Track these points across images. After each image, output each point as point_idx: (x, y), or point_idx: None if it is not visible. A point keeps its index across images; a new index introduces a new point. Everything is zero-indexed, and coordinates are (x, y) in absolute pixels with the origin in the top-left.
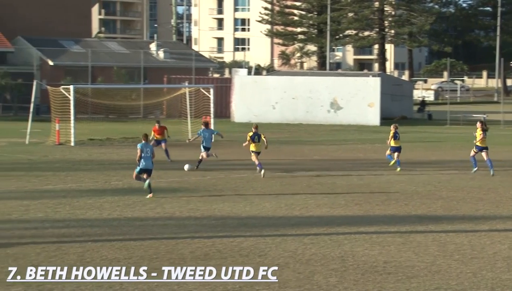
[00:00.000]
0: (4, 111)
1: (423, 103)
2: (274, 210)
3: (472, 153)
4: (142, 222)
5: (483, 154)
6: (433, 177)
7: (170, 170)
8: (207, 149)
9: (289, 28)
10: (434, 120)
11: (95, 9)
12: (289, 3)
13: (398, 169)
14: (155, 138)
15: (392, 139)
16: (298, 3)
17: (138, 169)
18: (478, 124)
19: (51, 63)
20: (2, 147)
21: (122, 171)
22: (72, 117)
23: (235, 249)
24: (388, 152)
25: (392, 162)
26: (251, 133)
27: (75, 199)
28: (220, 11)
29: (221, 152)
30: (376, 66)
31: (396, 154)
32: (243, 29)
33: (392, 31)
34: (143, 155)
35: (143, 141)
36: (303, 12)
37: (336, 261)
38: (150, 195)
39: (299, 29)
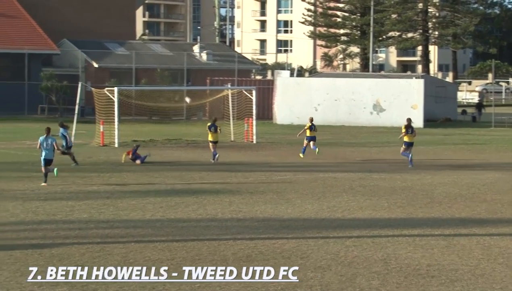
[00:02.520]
0: (50, 113)
1: (480, 106)
2: (316, 212)
3: None
4: (184, 223)
5: None
6: (477, 180)
7: (213, 171)
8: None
9: (332, 30)
10: (479, 122)
11: (139, 11)
12: (332, 4)
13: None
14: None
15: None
16: (341, 5)
17: (42, 161)
18: None
19: (96, 65)
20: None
21: (165, 172)
22: (116, 119)
23: (277, 251)
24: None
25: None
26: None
27: (118, 200)
28: (263, 13)
29: (262, 153)
30: (419, 68)
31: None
32: (286, 31)
33: (436, 33)
34: (43, 147)
35: (45, 135)
36: (346, 14)
37: (378, 264)
38: (44, 184)
39: (341, 31)
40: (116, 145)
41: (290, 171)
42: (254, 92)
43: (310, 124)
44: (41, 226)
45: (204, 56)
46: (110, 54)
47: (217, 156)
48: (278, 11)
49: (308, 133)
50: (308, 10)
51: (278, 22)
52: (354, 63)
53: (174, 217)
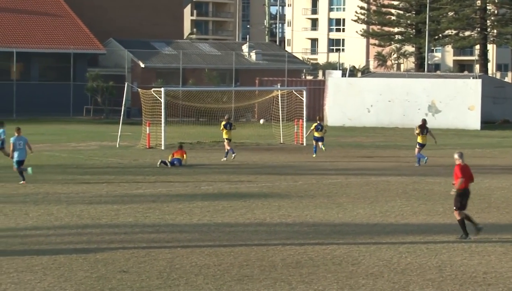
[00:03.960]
0: (96, 114)
1: None
2: (368, 217)
3: None
4: (232, 228)
5: None
6: None
7: (261, 174)
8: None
9: (386, 28)
10: None
11: (187, 10)
12: (386, 2)
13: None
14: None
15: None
16: (395, 2)
17: (15, 162)
18: None
19: (142, 65)
20: (93, 150)
21: (213, 175)
22: (162, 121)
23: (328, 257)
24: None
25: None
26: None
27: (165, 203)
28: (314, 11)
29: (313, 156)
30: (477, 67)
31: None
32: (338, 30)
33: (495, 31)
34: (16, 147)
35: (16, 135)
36: (401, 11)
37: (433, 271)
38: (23, 182)
39: (396, 29)
40: (163, 147)
41: (341, 174)
42: (304, 93)
43: (316, 124)
44: (86, 230)
45: (253, 55)
46: (157, 54)
47: (234, 154)
48: (330, 9)
49: (315, 133)
50: (361, 8)
51: (330, 20)
52: (408, 63)
53: (221, 222)
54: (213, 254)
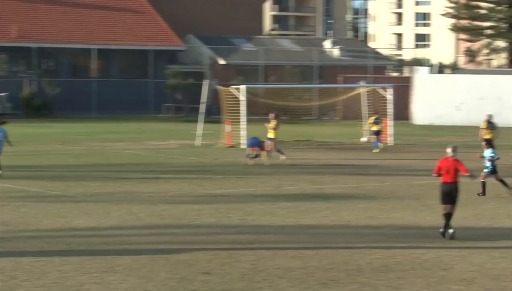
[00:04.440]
0: (175, 112)
1: None
2: (459, 220)
3: None
4: (316, 230)
5: None
6: None
7: (346, 175)
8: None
9: (476, 23)
10: None
11: (267, 5)
12: None
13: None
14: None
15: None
16: None
17: None
18: None
19: (222, 62)
20: (173, 149)
21: (295, 175)
22: (243, 119)
23: (417, 261)
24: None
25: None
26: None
27: (247, 204)
28: (399, 5)
29: (400, 156)
30: None
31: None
32: (425, 24)
33: None
34: None
35: None
36: (492, 5)
37: None
38: None
39: (486, 24)
40: (244, 146)
41: (430, 175)
42: (390, 91)
43: (375, 117)
44: (167, 230)
45: (336, 51)
46: (237, 50)
47: (270, 155)
48: (417, 3)
49: (373, 127)
50: (450, 1)
51: (416, 14)
52: (500, 59)
53: (305, 223)
54: (297, 257)
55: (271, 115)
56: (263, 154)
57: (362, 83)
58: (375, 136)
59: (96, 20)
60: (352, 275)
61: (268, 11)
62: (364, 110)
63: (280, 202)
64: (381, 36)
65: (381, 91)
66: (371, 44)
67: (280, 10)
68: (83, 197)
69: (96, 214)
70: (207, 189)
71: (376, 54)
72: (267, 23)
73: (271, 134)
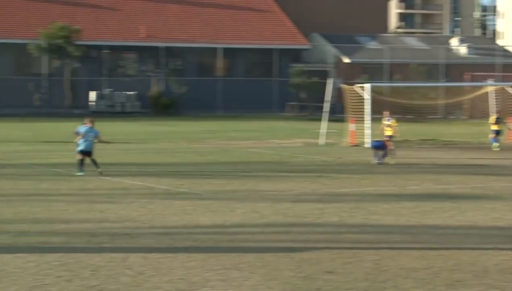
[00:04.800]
0: (299, 111)
1: None
2: None
3: None
4: (442, 230)
5: None
6: None
7: (472, 175)
8: None
9: None
10: None
11: (393, 3)
12: None
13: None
14: None
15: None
16: None
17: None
18: None
19: (346, 60)
20: (297, 147)
21: (420, 174)
22: (367, 117)
23: None
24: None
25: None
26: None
27: (370, 203)
28: None
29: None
30: None
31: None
32: None
33: None
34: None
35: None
36: None
37: None
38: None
39: None
40: (368, 145)
41: None
42: None
43: (496, 117)
44: (291, 229)
45: (463, 49)
46: (362, 48)
47: (388, 157)
48: None
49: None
50: None
51: None
52: None
53: (430, 223)
54: (421, 257)
55: (386, 113)
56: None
57: (490, 81)
58: (494, 135)
59: (223, 20)
60: (478, 277)
61: (394, 9)
62: (492, 109)
63: (405, 201)
64: (510, 34)
65: (509, 90)
66: (499, 42)
67: (406, 8)
68: (208, 195)
69: (221, 212)
70: (330, 188)
71: (504, 52)
72: (393, 21)
73: (388, 133)
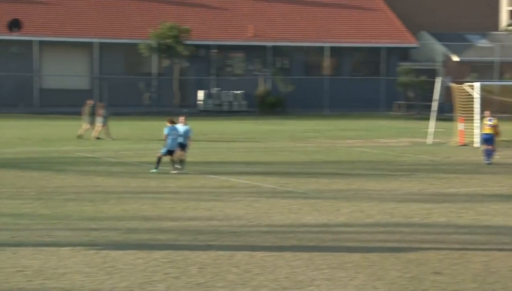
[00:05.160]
0: (407, 110)
1: None
2: None
3: None
4: None
5: None
6: None
7: None
8: None
9: None
10: None
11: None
12: None
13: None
14: None
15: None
16: None
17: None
18: None
19: (456, 59)
20: (404, 147)
21: None
22: (477, 117)
23: None
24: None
25: None
26: None
27: (479, 204)
28: None
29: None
30: None
31: None
32: None
33: None
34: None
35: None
36: None
37: None
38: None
39: None
40: (477, 145)
41: None
42: None
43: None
44: (397, 229)
45: None
46: (471, 47)
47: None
48: None
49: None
50: None
51: None
52: None
53: None
54: None
55: (487, 113)
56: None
57: None
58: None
59: (329, 18)
60: None
61: (505, 6)
62: None
63: None
64: None
65: None
66: None
67: None
68: (313, 194)
69: (326, 211)
70: (438, 188)
71: None
72: (504, 19)
73: (488, 132)
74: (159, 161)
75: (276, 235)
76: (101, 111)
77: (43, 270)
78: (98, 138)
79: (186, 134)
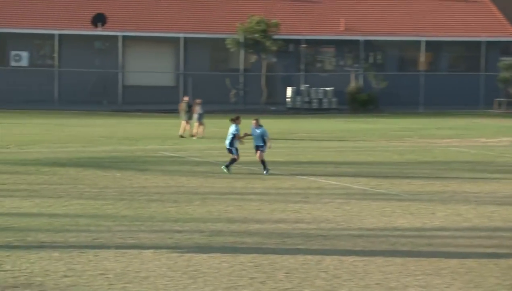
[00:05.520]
0: (508, 107)
1: None
2: None
3: None
4: None
5: None
6: None
7: None
8: None
9: None
10: None
11: None
12: None
13: None
14: None
15: None
16: None
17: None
18: None
19: None
20: (505, 147)
21: None
22: None
23: None
24: None
25: None
26: None
27: None
28: None
29: None
30: None
31: None
32: None
33: None
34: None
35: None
36: None
37: None
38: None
39: None
40: None
41: None
42: None
43: None
44: (496, 233)
45: None
46: None
47: None
48: None
49: None
50: None
51: None
52: None
53: None
54: None
55: None
56: None
57: None
58: None
59: (425, 11)
60: None
61: None
62: None
63: None
64: None
65: None
66: None
67: None
68: (407, 196)
69: (421, 214)
70: None
71: None
72: None
73: None
74: (232, 161)
75: (367, 239)
76: (197, 108)
77: (125, 273)
78: (192, 136)
79: (262, 137)
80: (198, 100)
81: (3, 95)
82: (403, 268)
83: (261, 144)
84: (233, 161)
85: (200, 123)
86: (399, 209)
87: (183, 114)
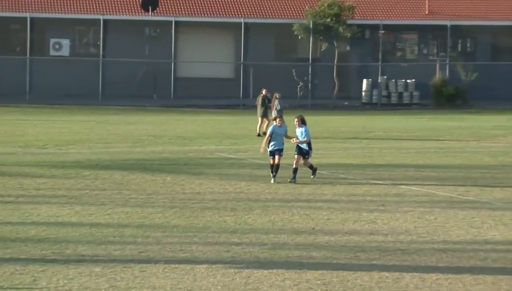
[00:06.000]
0: None
1: None
2: None
3: None
4: None
5: None
6: None
7: None
8: None
9: None
10: None
11: None
12: None
13: None
14: None
15: None
16: None
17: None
18: None
19: None
20: None
21: None
22: None
23: None
24: None
25: None
26: None
27: None
28: None
29: None
30: None
31: None
32: None
33: None
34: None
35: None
36: None
37: None
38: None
39: None
40: None
41: None
42: None
43: None
44: None
45: None
46: None
47: None
48: None
49: None
50: None
51: None
52: None
53: None
54: None
55: None
56: None
57: None
58: None
59: None
60: None
61: None
62: None
63: None
64: None
65: None
66: None
67: None
68: (500, 204)
69: None
70: None
71: None
72: None
73: None
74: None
75: (453, 253)
76: (275, 103)
77: None
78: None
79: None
80: (277, 94)
81: (41, 88)
82: (495, 288)
83: (282, 147)
84: (311, 167)
85: (269, 119)
86: (491, 219)
87: (259, 109)
